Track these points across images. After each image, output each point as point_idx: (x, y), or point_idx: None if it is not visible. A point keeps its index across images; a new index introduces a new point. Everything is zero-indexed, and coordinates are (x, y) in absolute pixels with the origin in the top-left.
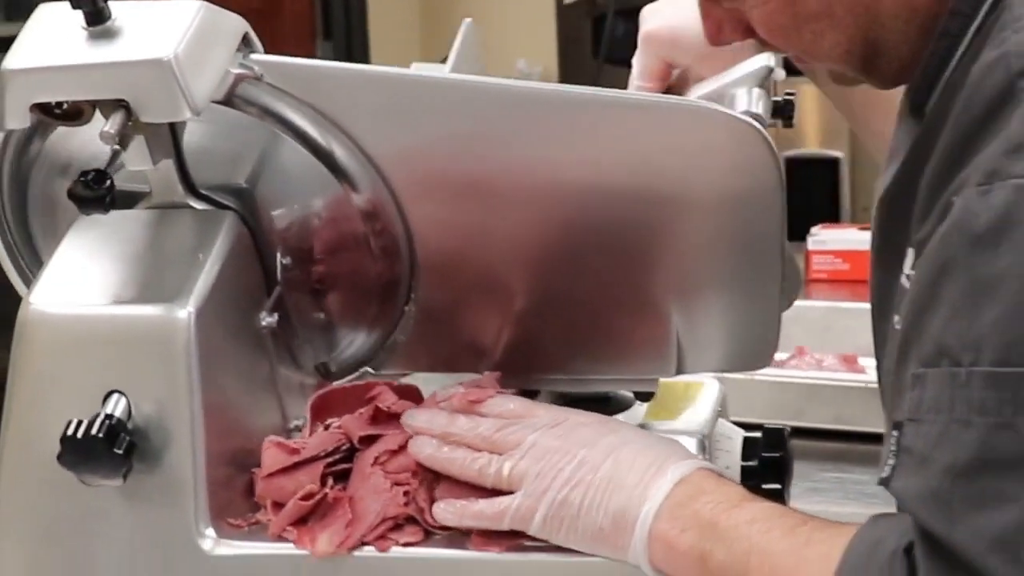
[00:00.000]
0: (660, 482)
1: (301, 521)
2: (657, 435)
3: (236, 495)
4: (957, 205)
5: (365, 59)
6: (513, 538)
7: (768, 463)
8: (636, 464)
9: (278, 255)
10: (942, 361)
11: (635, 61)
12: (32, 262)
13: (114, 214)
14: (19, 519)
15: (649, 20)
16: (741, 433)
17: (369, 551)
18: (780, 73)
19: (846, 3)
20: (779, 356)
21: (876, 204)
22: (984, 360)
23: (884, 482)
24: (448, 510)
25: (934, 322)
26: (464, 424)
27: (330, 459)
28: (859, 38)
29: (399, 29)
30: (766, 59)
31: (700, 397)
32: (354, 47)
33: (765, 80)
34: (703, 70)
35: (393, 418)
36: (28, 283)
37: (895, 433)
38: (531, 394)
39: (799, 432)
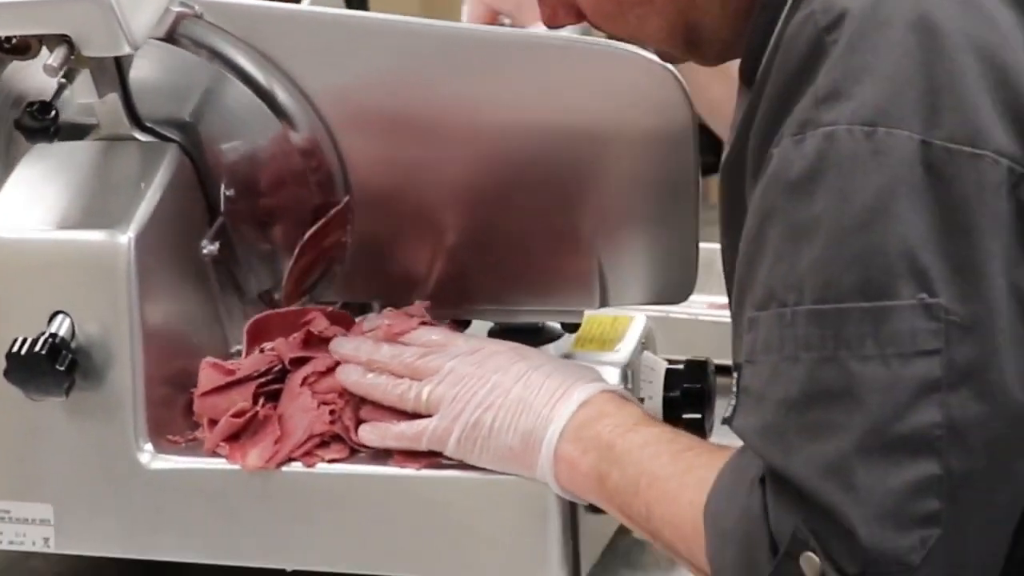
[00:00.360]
0: (566, 404)
1: (234, 438)
2: (568, 361)
3: (176, 413)
4: (775, 156)
5: None
6: (432, 457)
7: (689, 394)
8: (544, 387)
9: (221, 187)
10: (771, 304)
11: (463, 9)
12: None
13: (63, 145)
14: None
15: None
16: (664, 365)
17: (296, 467)
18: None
19: None
20: (726, 299)
21: (720, 171)
22: (806, 299)
23: (727, 421)
24: (371, 432)
25: (761, 268)
26: (387, 352)
27: (263, 379)
28: (679, 22)
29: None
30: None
31: (627, 331)
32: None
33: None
34: (524, 19)
35: (324, 342)
36: None
37: (735, 375)
38: (464, 324)
39: (727, 370)
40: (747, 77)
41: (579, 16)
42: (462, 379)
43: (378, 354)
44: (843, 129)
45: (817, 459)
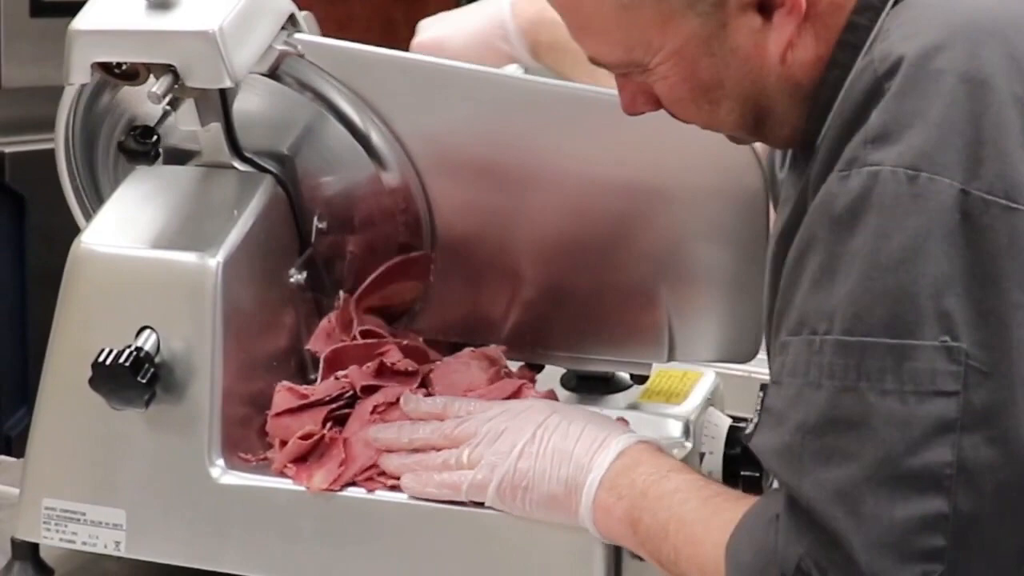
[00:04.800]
0: (604, 454)
1: (301, 459)
2: (602, 415)
3: (251, 432)
4: (821, 190)
5: None
6: None
7: (749, 452)
8: (583, 438)
9: (314, 219)
10: (803, 330)
11: None
12: (97, 204)
13: (166, 168)
14: (54, 435)
15: (420, 33)
16: (728, 422)
17: (359, 491)
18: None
19: (735, 76)
20: None
21: (771, 245)
22: (835, 329)
23: (747, 439)
24: (413, 480)
25: (798, 295)
26: (427, 429)
27: (334, 405)
28: (749, 106)
29: None
30: (514, 69)
31: (694, 386)
32: None
33: None
34: None
35: (396, 373)
36: None
37: (760, 395)
38: (537, 369)
39: None
40: (807, 145)
41: (656, 103)
42: (500, 435)
43: (418, 433)
44: (888, 170)
45: (828, 483)
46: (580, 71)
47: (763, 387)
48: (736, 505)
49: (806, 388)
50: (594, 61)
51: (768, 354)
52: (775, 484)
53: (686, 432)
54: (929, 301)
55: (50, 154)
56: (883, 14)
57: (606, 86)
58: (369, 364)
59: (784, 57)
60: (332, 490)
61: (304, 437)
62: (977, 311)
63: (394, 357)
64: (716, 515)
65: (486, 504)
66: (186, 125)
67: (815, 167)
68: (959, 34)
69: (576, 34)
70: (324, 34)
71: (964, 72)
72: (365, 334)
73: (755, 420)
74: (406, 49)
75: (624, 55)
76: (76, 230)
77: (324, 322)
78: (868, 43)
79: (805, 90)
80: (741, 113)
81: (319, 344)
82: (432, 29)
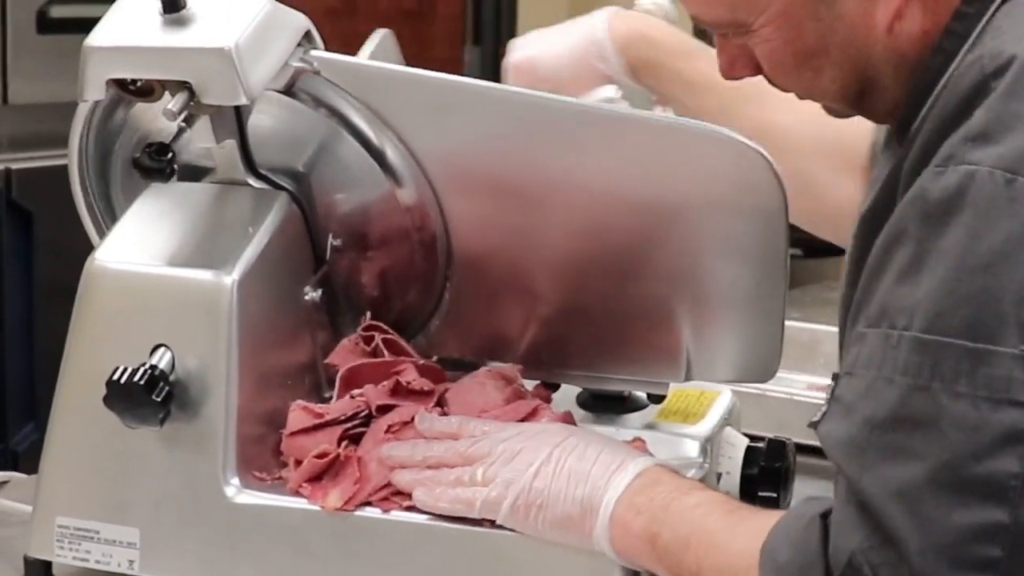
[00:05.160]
0: (622, 475)
1: (316, 479)
2: (617, 440)
3: (266, 451)
4: (915, 183)
5: None
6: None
7: (767, 472)
8: (600, 459)
9: (329, 237)
10: (882, 323)
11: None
12: (110, 222)
13: (180, 185)
14: (68, 453)
15: (513, 52)
16: (745, 442)
17: (374, 511)
18: (623, 102)
19: (840, 43)
20: (829, 381)
21: (856, 224)
22: (914, 326)
23: (813, 425)
24: (425, 495)
25: (881, 286)
26: (441, 447)
27: (349, 424)
28: (853, 76)
29: None
30: (611, 90)
31: (711, 406)
32: (501, 55)
33: None
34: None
35: (412, 393)
36: None
37: (831, 383)
38: (553, 387)
39: (820, 452)
40: (902, 129)
41: (756, 68)
42: (516, 454)
43: (432, 451)
44: (985, 171)
45: (890, 481)
46: (678, 89)
47: (835, 376)
48: (762, 515)
49: (878, 382)
50: (696, 20)
51: (840, 342)
52: (793, 503)
53: (703, 452)
54: (1013, 308)
55: (57, 170)
56: (992, 7)
57: (707, 104)
58: (384, 383)
59: (891, 27)
60: (347, 509)
61: (319, 456)
62: None
63: (410, 376)
64: (742, 523)
65: (498, 522)
66: (201, 142)
67: (910, 156)
68: None
69: None
70: (330, 51)
71: None
72: (387, 344)
73: (824, 409)
74: (412, 66)
75: (727, 14)
76: (84, 246)
77: (345, 341)
78: (974, 35)
79: (910, 64)
80: (844, 83)
81: (339, 359)
82: (526, 48)
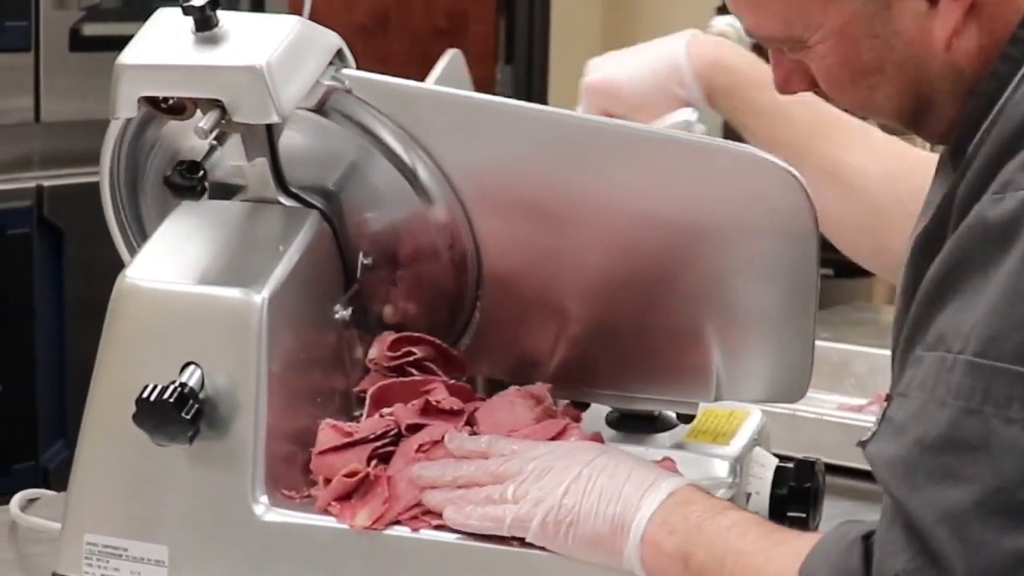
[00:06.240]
0: (655, 493)
1: (346, 497)
2: (647, 460)
3: (295, 470)
4: (974, 209)
5: (543, 87)
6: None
7: (796, 492)
8: (632, 478)
9: (359, 255)
10: (939, 346)
11: (578, 109)
12: (141, 240)
13: (211, 203)
14: (97, 470)
15: (591, 73)
16: (775, 462)
17: (403, 530)
18: (700, 126)
19: (897, 60)
20: (859, 401)
21: (910, 246)
22: (969, 349)
23: (862, 444)
24: (456, 513)
25: (939, 312)
26: (471, 466)
27: (379, 443)
28: (910, 94)
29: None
30: (689, 113)
31: (741, 425)
32: (534, 74)
33: (687, 129)
34: (637, 119)
35: (442, 412)
36: None
37: (884, 404)
38: (582, 407)
39: (849, 472)
40: (957, 151)
41: (812, 83)
42: (546, 472)
43: (462, 470)
44: None
45: (938, 503)
46: (751, 118)
47: (888, 397)
48: (799, 538)
49: (931, 404)
50: (751, 34)
51: (892, 364)
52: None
53: (733, 472)
54: None
55: (88, 187)
56: None
57: (779, 135)
58: (414, 402)
59: (949, 44)
60: (376, 528)
61: (348, 475)
62: None
63: (440, 395)
64: (779, 545)
65: (528, 539)
66: (232, 160)
67: (965, 181)
68: None
69: (735, 4)
70: (362, 69)
71: None
72: (414, 364)
73: (874, 428)
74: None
75: (783, 29)
76: (114, 263)
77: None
78: None
79: (967, 81)
80: (900, 101)
81: (370, 383)
82: (604, 69)
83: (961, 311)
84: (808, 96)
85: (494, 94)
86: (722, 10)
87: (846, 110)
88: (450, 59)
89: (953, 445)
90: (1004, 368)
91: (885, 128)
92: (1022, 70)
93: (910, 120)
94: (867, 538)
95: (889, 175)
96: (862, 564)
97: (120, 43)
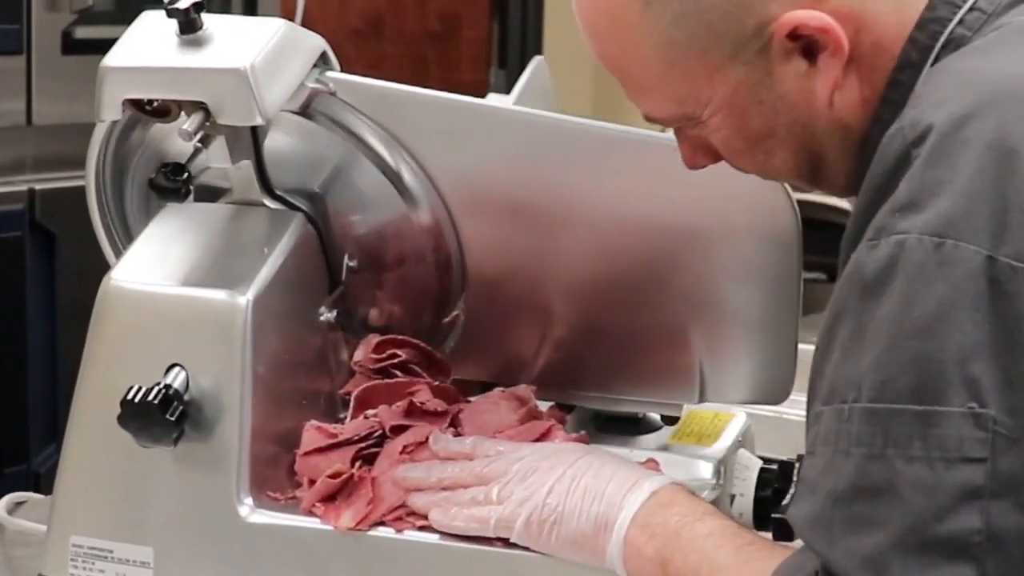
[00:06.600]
0: (637, 494)
1: (330, 499)
2: (632, 461)
3: (280, 471)
4: (852, 259)
5: None
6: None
7: (780, 494)
8: (615, 478)
9: (344, 257)
10: (834, 399)
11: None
12: (127, 241)
13: (196, 205)
14: (82, 472)
15: None
16: (759, 464)
17: (387, 531)
18: None
19: (785, 123)
20: None
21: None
22: (863, 397)
23: (784, 510)
24: (441, 515)
25: (829, 364)
26: (456, 468)
27: (363, 444)
28: (802, 153)
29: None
30: None
31: (725, 427)
32: None
33: None
34: None
35: (426, 414)
36: None
37: (798, 465)
38: (567, 409)
39: None
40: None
41: (716, 156)
42: (531, 473)
43: (447, 471)
44: (914, 238)
45: (856, 551)
46: None
47: (799, 457)
48: (771, 555)
49: (836, 456)
50: (649, 118)
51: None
52: None
53: (717, 474)
54: (956, 368)
55: (81, 191)
56: (923, 72)
57: None
58: (399, 403)
59: (831, 100)
60: (360, 529)
61: (333, 476)
62: (1005, 377)
63: (424, 397)
64: (749, 563)
65: (512, 539)
66: (217, 163)
67: (847, 229)
68: (988, 103)
69: (630, 94)
70: (355, 74)
71: (991, 141)
72: (399, 366)
73: (792, 491)
74: (438, 88)
75: (676, 109)
76: (106, 267)
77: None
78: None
79: (854, 134)
80: (795, 162)
81: (355, 386)
82: None
83: (847, 360)
84: None
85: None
86: None
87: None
88: (535, 67)
89: (862, 492)
90: (899, 409)
91: (792, 187)
92: (901, 113)
93: (809, 178)
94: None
95: None
96: None
97: (112, 46)
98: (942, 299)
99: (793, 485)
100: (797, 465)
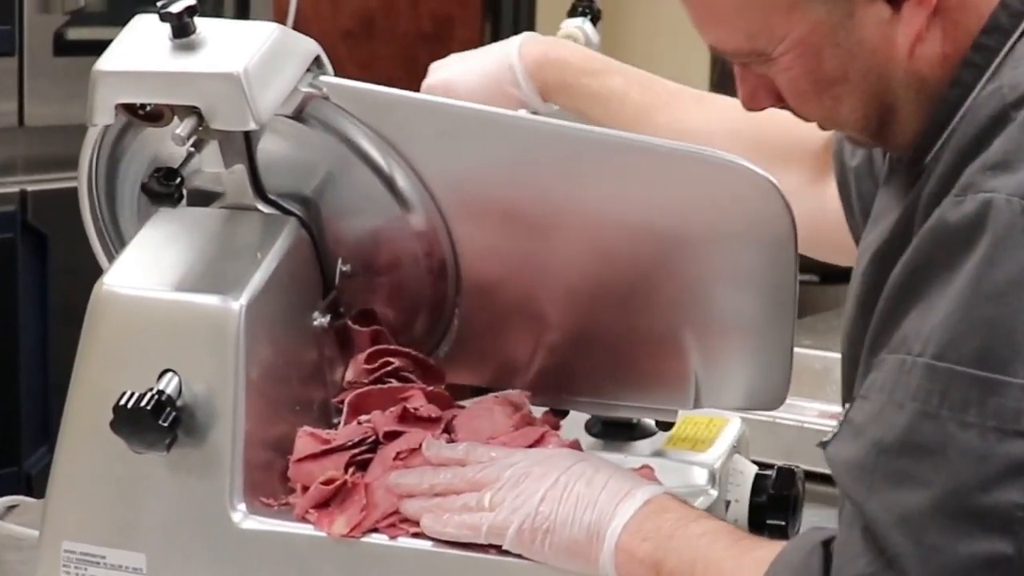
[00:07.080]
0: (630, 502)
1: (323, 505)
2: (626, 468)
3: (273, 477)
4: (935, 213)
5: None
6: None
7: (775, 500)
8: (609, 486)
9: (338, 262)
10: (900, 349)
11: None
12: (119, 246)
13: (189, 210)
14: (75, 477)
15: (430, 75)
16: (754, 470)
17: (380, 538)
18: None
19: (861, 69)
20: (840, 409)
21: (867, 259)
22: (928, 352)
23: (822, 445)
24: (432, 521)
25: (903, 316)
26: (448, 474)
27: (356, 450)
28: (874, 104)
29: None
30: (524, 113)
31: (720, 433)
32: None
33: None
34: None
35: (419, 419)
36: None
37: (847, 406)
38: (561, 414)
39: (830, 479)
40: (918, 159)
41: (778, 97)
42: (523, 479)
43: (439, 478)
44: (1003, 198)
45: (895, 507)
46: (589, 106)
47: (850, 400)
48: (767, 545)
49: (889, 406)
50: (715, 49)
51: (842, 374)
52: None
53: (712, 480)
54: None
55: (73, 193)
56: (1012, 38)
57: (619, 116)
58: (392, 409)
59: (912, 50)
60: (353, 536)
61: (326, 482)
62: None
63: (417, 402)
64: (747, 553)
65: (504, 547)
66: (210, 167)
67: (928, 187)
68: None
69: (697, 21)
70: (347, 75)
71: None
72: (392, 374)
73: (835, 430)
74: None
75: (746, 42)
76: (99, 269)
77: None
78: (994, 66)
79: (931, 89)
80: (864, 112)
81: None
82: (442, 72)
83: (924, 314)
84: (642, 76)
85: None
86: (572, 12)
87: (811, 121)
88: None
89: (910, 448)
90: (961, 372)
91: (851, 140)
92: (985, 76)
93: (876, 131)
94: (827, 544)
95: (734, 133)
96: (821, 569)
97: (104, 48)
98: (1023, 264)
99: (838, 425)
100: (846, 406)
